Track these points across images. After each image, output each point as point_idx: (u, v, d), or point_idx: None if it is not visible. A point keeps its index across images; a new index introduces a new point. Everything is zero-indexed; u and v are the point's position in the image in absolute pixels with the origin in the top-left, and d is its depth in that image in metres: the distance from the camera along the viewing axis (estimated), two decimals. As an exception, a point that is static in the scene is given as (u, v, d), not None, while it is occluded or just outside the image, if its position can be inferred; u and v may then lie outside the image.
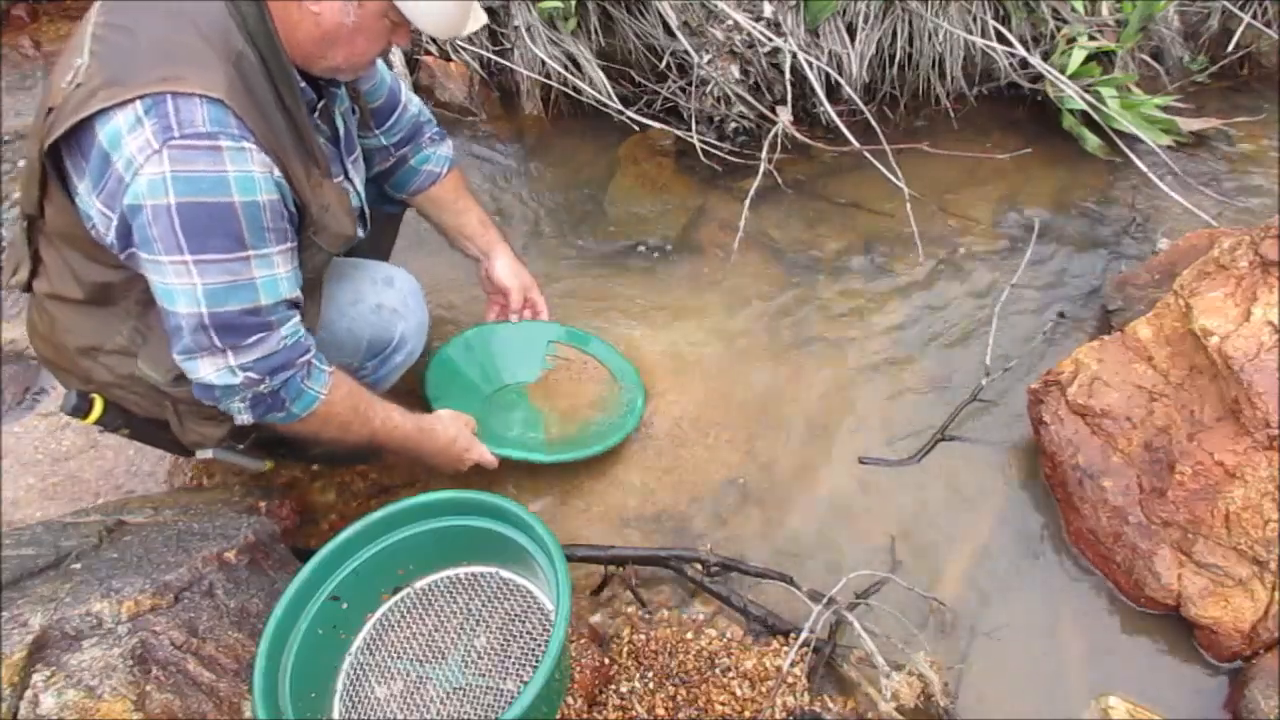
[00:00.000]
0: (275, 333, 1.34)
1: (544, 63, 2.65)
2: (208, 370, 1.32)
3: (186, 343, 1.30)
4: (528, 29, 2.63)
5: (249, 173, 1.24)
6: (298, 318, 1.39)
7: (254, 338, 1.32)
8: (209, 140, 1.20)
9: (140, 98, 1.18)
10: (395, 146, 1.78)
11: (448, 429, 1.68)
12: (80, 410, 1.48)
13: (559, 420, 1.96)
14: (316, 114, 1.44)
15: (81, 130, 1.22)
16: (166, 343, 1.36)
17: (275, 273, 1.32)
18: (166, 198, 1.20)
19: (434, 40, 2.78)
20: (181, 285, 1.25)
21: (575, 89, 2.67)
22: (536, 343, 2.04)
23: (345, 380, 1.50)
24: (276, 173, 1.30)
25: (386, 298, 1.68)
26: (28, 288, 1.49)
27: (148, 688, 1.15)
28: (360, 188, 1.62)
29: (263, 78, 1.29)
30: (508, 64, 2.72)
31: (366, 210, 1.65)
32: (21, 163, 2.48)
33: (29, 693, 1.11)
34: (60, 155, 1.28)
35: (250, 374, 1.34)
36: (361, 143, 1.70)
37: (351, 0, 1.30)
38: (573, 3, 2.60)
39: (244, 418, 1.41)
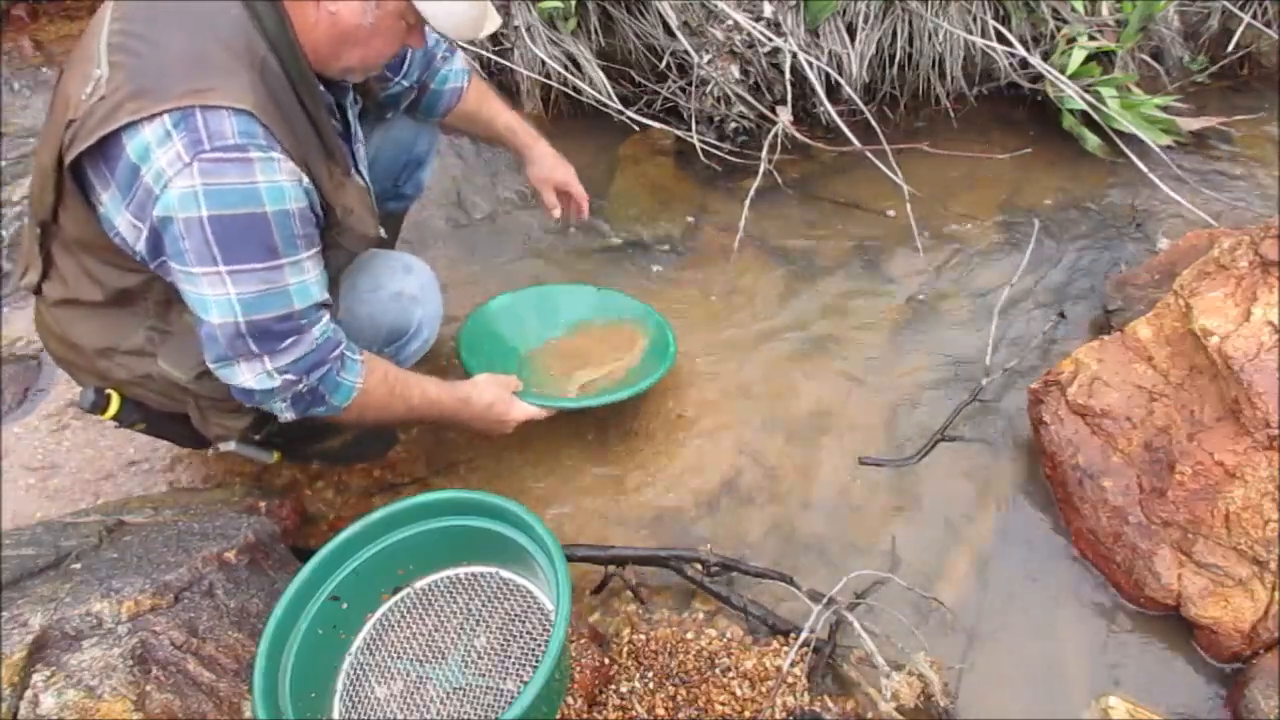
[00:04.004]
0: (308, 335, 1.36)
1: (544, 63, 2.64)
2: (246, 376, 1.34)
3: (222, 350, 1.31)
4: (528, 29, 2.63)
5: (278, 183, 1.24)
6: (328, 317, 1.41)
7: (288, 341, 1.34)
8: (238, 152, 1.20)
9: (168, 111, 1.18)
10: (416, 83, 1.79)
11: (483, 395, 1.69)
12: (98, 406, 1.49)
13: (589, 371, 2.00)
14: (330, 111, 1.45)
15: (107, 142, 1.22)
16: (187, 341, 1.37)
17: (306, 278, 1.33)
18: (199, 211, 1.20)
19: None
20: (215, 295, 1.26)
21: (575, 89, 2.67)
22: (566, 308, 2.10)
23: (378, 364, 1.52)
24: (305, 180, 1.31)
25: (406, 285, 1.69)
26: (37, 290, 1.49)
27: (148, 688, 1.16)
28: (367, 175, 1.63)
29: (285, 83, 1.29)
30: (508, 64, 2.71)
31: (372, 194, 1.66)
32: (4, 162, 2.47)
33: (29, 693, 1.11)
34: (81, 165, 1.27)
35: (288, 376, 1.35)
36: (385, 95, 1.74)
37: (370, 0, 1.30)
38: (573, 3, 2.60)
39: (287, 415, 1.43)
